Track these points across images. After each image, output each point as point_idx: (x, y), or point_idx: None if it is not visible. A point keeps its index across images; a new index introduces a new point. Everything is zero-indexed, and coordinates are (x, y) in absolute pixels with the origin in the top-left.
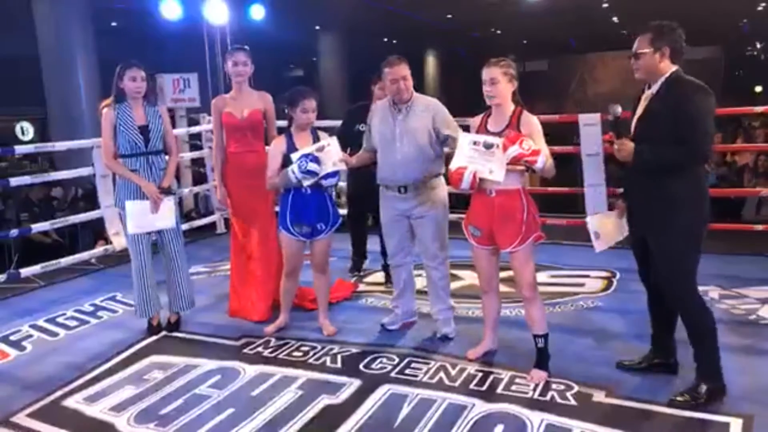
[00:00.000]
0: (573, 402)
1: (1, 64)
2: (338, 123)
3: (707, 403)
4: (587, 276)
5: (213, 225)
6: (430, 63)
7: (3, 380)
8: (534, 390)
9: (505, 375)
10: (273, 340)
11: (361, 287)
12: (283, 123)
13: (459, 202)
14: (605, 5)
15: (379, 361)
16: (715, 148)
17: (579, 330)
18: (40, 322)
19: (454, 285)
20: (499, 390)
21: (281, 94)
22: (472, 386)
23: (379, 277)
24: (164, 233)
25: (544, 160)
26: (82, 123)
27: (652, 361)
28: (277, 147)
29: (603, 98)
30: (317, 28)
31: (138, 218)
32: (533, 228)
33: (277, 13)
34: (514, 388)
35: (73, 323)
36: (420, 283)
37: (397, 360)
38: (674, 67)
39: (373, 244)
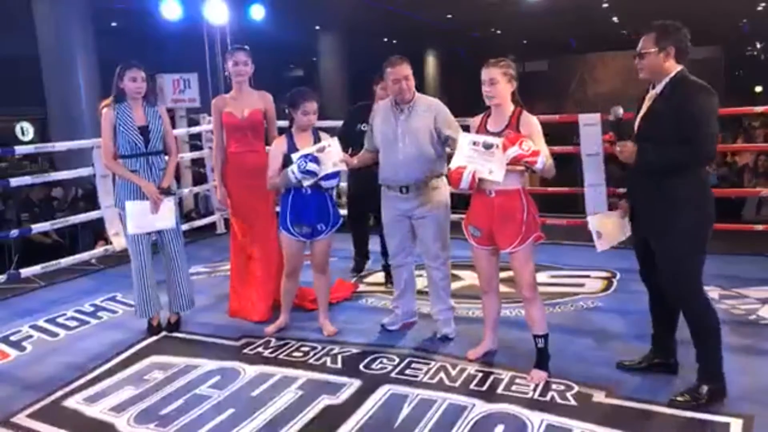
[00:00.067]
0: (573, 402)
1: (1, 64)
2: (338, 123)
3: (708, 404)
4: (587, 276)
5: (213, 225)
6: (430, 63)
7: (3, 380)
8: (534, 390)
9: (506, 375)
10: (273, 340)
11: (362, 287)
12: (283, 123)
13: (460, 202)
14: (605, 5)
15: (379, 361)
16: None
17: (579, 330)
18: (41, 323)
19: (454, 285)
20: (500, 390)
21: (282, 95)
22: (472, 386)
23: (380, 277)
24: (164, 233)
25: (543, 160)
26: (82, 123)
27: (652, 361)
28: (278, 147)
29: (603, 98)
30: (317, 28)
31: (138, 218)
32: (533, 228)
33: (277, 13)
34: (514, 388)
35: (74, 323)
36: (420, 283)
37: (397, 360)
38: (679, 67)
39: (373, 244)
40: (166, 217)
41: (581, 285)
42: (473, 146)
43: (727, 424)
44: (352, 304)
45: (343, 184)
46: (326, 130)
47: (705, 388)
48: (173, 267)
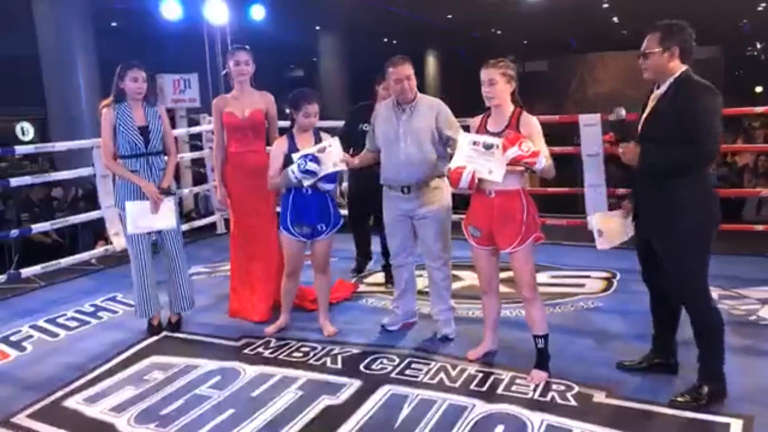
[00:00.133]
0: (573, 402)
1: (1, 64)
2: (339, 123)
3: (708, 404)
4: (587, 276)
5: (213, 225)
6: (430, 63)
7: (3, 381)
8: (534, 390)
9: (506, 375)
10: (273, 340)
11: (362, 288)
12: (285, 123)
13: (460, 202)
14: (605, 5)
15: (379, 361)
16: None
17: (579, 330)
18: (41, 323)
19: (455, 285)
20: (500, 390)
21: (283, 95)
22: (472, 387)
23: (380, 277)
24: (164, 233)
25: (543, 161)
26: (82, 123)
27: (652, 361)
28: (278, 147)
29: (603, 98)
30: (317, 28)
31: (138, 219)
32: (533, 228)
33: (277, 14)
34: (514, 388)
35: (74, 324)
36: (420, 283)
37: (397, 360)
38: (684, 67)
39: (373, 244)
40: (166, 217)
41: (581, 285)
42: (473, 146)
43: (728, 425)
44: (352, 305)
45: (345, 184)
46: (326, 130)
47: (705, 389)
48: (173, 267)
